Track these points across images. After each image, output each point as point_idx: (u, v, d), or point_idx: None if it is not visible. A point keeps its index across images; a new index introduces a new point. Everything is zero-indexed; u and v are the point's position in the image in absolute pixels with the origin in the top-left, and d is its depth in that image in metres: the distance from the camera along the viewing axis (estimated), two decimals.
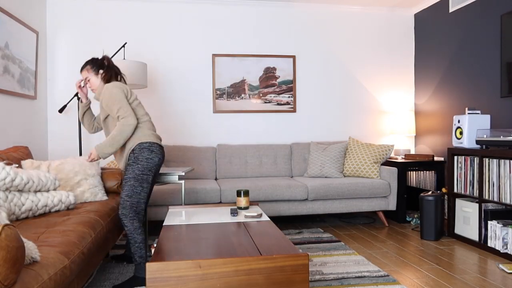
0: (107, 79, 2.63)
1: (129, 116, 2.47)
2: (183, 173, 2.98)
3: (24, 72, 3.60)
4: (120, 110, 2.49)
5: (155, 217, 3.57)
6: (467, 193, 3.38)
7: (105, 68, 2.65)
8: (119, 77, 2.70)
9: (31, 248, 1.51)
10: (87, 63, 2.66)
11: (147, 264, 1.58)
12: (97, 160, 2.63)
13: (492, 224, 3.07)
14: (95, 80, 2.65)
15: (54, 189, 2.47)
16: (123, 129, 2.46)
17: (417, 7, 4.81)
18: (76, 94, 3.88)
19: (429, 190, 3.83)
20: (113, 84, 2.56)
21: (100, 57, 2.73)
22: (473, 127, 3.44)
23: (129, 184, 2.47)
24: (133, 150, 2.50)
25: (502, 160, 3.00)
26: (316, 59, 4.74)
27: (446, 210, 3.92)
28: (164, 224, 2.32)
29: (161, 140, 2.66)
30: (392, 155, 4.75)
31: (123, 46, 3.78)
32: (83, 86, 2.78)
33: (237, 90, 4.57)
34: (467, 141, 3.44)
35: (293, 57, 4.67)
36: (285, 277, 1.66)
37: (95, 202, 2.74)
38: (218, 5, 4.53)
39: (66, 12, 4.24)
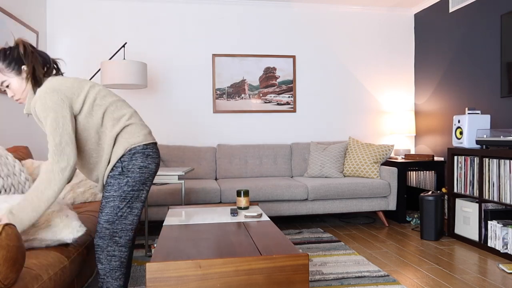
0: (35, 78, 1.67)
1: (63, 155, 1.54)
2: (183, 173, 2.98)
3: None
4: (55, 140, 1.55)
5: (155, 217, 3.57)
6: (467, 193, 3.38)
7: (28, 60, 1.65)
8: (48, 66, 1.72)
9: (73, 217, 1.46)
10: None
11: (147, 264, 1.58)
12: None
13: (492, 224, 3.07)
14: (19, 84, 1.67)
15: None
16: (50, 180, 1.51)
17: (417, 7, 4.81)
18: None
19: (429, 190, 3.83)
20: (46, 87, 1.62)
21: (14, 45, 1.68)
22: (473, 127, 3.44)
23: (111, 206, 1.70)
24: (121, 157, 1.71)
25: (502, 160, 3.00)
26: (316, 59, 4.74)
27: (446, 210, 3.92)
28: (164, 224, 2.32)
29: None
30: (392, 155, 4.75)
31: (123, 46, 3.78)
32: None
33: (237, 90, 4.57)
34: (467, 141, 3.44)
35: (293, 57, 4.67)
36: (285, 277, 1.66)
37: (95, 202, 2.74)
38: (218, 5, 4.53)
39: (66, 12, 4.24)
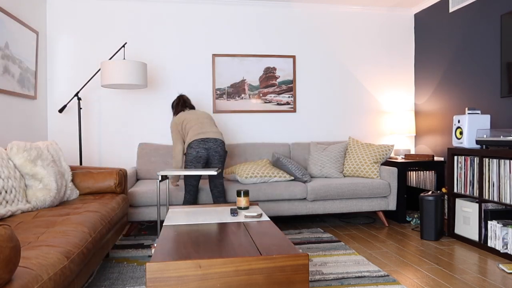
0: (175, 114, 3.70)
1: (174, 144, 3.49)
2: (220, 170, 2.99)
3: (24, 72, 3.60)
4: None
5: (155, 217, 3.57)
6: (467, 193, 3.38)
7: (174, 109, 3.70)
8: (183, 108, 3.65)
9: None
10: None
11: (147, 264, 1.58)
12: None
13: (492, 224, 3.07)
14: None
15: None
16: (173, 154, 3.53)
17: (417, 7, 4.81)
18: (77, 95, 3.89)
19: (429, 190, 3.83)
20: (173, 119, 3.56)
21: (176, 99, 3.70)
22: (473, 127, 3.44)
23: None
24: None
25: (502, 160, 3.00)
26: (316, 59, 4.74)
27: (446, 210, 3.92)
28: (164, 224, 2.32)
29: (203, 134, 3.35)
30: (392, 155, 4.75)
31: (123, 46, 3.78)
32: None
33: (237, 90, 4.57)
34: (467, 141, 3.44)
35: (293, 57, 4.67)
36: (285, 277, 1.66)
37: (95, 201, 2.74)
38: (218, 5, 4.53)
39: (66, 12, 4.24)
